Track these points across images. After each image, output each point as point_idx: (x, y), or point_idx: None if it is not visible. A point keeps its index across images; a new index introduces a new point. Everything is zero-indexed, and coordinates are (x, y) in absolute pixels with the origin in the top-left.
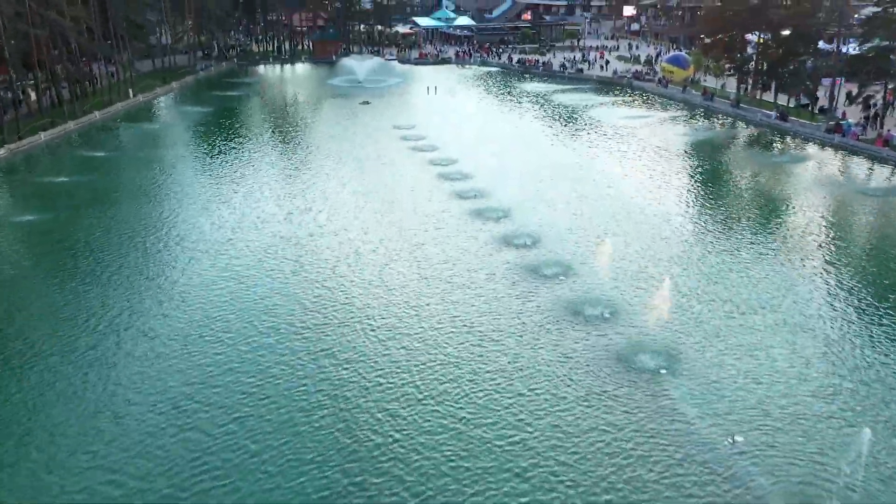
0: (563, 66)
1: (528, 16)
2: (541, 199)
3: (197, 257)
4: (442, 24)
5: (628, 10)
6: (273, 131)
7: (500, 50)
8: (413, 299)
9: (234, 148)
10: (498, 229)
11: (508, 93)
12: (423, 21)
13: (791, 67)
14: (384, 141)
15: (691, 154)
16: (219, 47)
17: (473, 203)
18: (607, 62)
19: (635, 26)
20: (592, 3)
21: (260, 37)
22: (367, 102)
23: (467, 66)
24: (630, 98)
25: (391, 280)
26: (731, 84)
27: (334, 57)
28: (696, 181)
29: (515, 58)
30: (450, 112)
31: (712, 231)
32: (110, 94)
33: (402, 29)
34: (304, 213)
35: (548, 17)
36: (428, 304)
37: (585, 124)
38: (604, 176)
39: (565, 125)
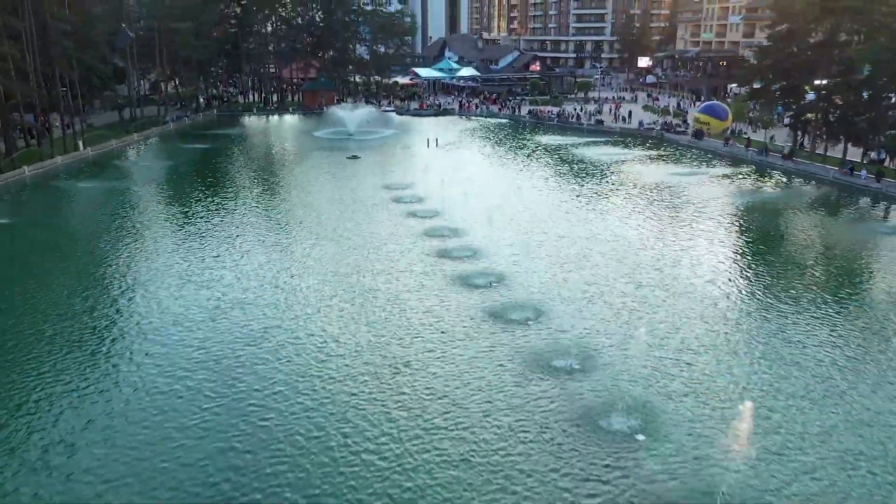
0: (577, 115)
1: (536, 66)
2: (582, 288)
3: (91, 369)
4: (444, 74)
5: (643, 62)
6: (237, 191)
7: (508, 100)
8: (391, 461)
9: (183, 212)
10: (526, 341)
11: (521, 146)
12: (425, 72)
13: (871, 115)
14: (371, 204)
15: (771, 224)
16: (197, 98)
17: (487, 296)
18: (630, 113)
19: (651, 78)
20: (603, 56)
21: (243, 88)
22: (356, 157)
23: (472, 118)
24: (665, 152)
25: (358, 423)
26: (780, 136)
27: (325, 108)
28: (795, 265)
29: (525, 109)
30: (453, 169)
31: (854, 348)
32: (53, 147)
33: (401, 80)
34: (244, 306)
35: (557, 69)
36: (415, 472)
37: (621, 184)
38: (664, 254)
39: (597, 184)
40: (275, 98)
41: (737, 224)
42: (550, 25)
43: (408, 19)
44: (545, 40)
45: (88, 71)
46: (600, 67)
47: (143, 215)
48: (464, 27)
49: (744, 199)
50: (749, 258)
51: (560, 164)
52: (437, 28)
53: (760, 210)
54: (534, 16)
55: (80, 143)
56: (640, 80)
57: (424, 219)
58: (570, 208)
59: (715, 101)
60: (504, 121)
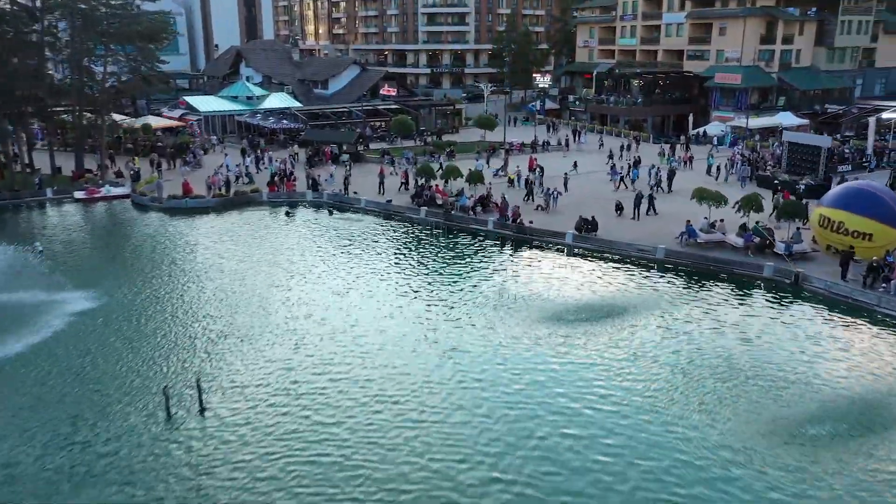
0: (515, 209)
1: (390, 90)
2: None
3: None
4: (241, 106)
5: (542, 81)
6: None
7: (364, 152)
8: None
9: None
10: None
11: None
12: (205, 102)
13: None
14: None
15: None
16: None
17: None
18: (651, 197)
19: (541, 103)
20: (468, 71)
21: None
22: None
23: (297, 210)
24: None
25: None
26: None
27: None
28: None
29: (404, 179)
30: None
31: None
32: None
33: (160, 119)
34: None
35: (416, 91)
36: None
37: None
38: None
39: None
40: None
41: None
42: (391, 30)
43: (152, 4)
44: (384, 50)
45: None
46: (483, 88)
47: None
48: (268, 33)
49: None
50: None
51: None
52: (227, 33)
53: None
54: (366, 17)
55: None
56: (525, 106)
57: None
58: None
59: (868, 183)
60: (362, 222)
